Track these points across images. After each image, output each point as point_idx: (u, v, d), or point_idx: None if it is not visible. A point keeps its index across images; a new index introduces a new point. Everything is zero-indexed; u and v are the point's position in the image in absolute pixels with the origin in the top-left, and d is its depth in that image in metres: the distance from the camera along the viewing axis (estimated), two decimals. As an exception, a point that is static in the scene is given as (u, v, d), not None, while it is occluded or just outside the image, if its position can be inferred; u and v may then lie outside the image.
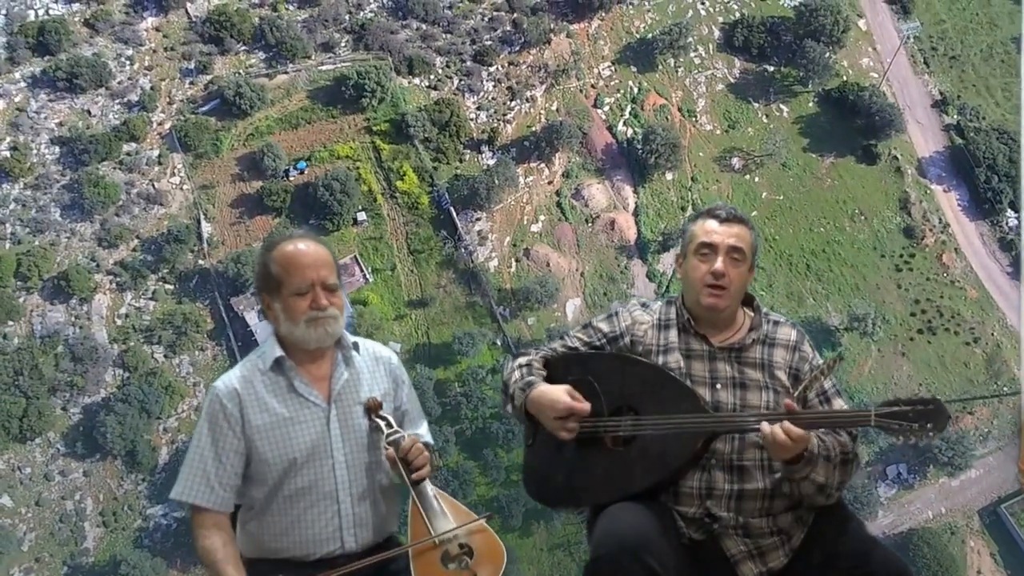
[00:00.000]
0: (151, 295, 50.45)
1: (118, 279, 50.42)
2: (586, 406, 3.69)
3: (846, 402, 3.80)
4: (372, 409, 3.82)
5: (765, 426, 3.45)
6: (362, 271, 51.18)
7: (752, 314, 3.92)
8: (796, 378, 3.75)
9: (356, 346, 3.95)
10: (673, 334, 3.86)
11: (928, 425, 3.33)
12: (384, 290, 51.03)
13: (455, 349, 48.81)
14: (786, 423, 3.41)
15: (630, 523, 3.43)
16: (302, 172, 52.61)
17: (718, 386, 3.73)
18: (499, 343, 50.07)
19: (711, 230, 3.80)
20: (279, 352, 3.79)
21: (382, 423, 3.79)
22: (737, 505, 3.63)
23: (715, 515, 3.64)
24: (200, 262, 51.08)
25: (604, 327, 3.99)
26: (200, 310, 50.10)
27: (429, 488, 3.72)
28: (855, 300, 51.48)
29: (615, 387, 3.78)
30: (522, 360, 4.00)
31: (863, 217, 54.45)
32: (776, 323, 3.91)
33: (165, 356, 49.22)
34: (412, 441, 3.75)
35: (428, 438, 4.07)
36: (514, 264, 52.07)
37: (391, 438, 3.73)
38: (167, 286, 50.72)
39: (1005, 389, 49.15)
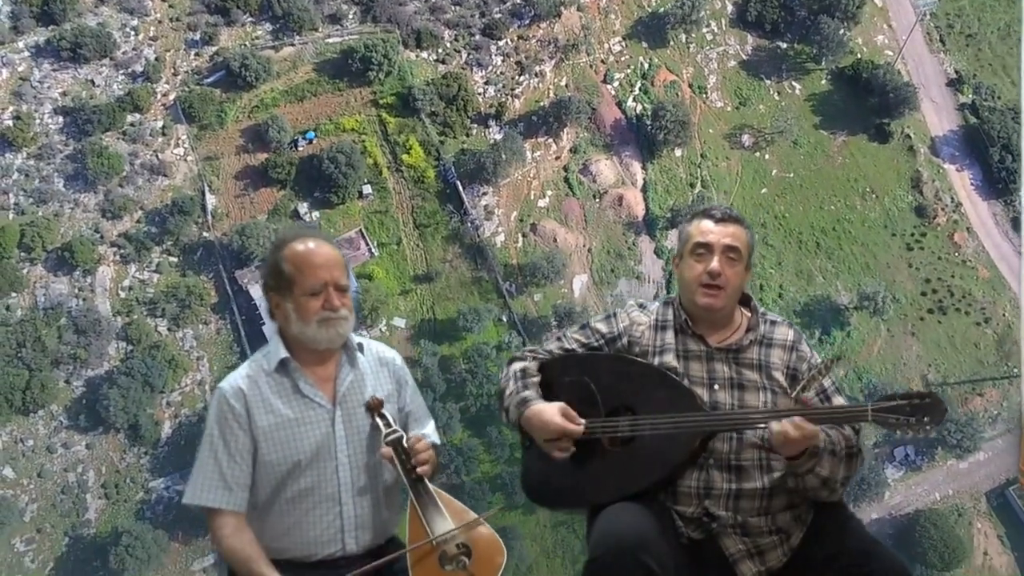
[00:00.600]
0: (155, 267, 50.10)
1: (122, 251, 50.06)
2: (579, 428, 3.68)
3: (845, 400, 3.77)
4: (373, 408, 3.79)
5: (775, 424, 3.44)
6: (367, 245, 50.73)
7: (749, 314, 3.91)
8: (793, 378, 3.74)
9: (360, 347, 3.93)
10: (670, 335, 3.86)
11: (925, 419, 3.37)
12: (389, 264, 50.59)
13: (460, 325, 48.41)
14: (797, 419, 3.42)
15: (629, 523, 3.43)
16: (310, 142, 52.11)
17: (716, 387, 3.73)
18: (505, 319, 49.67)
19: (707, 230, 3.79)
20: (284, 353, 3.76)
21: (381, 422, 3.76)
22: (735, 504, 3.63)
23: (713, 514, 3.64)
24: (204, 234, 50.70)
25: (602, 328, 3.98)
26: (204, 283, 49.74)
27: (429, 488, 3.67)
28: (865, 279, 50.93)
29: (612, 388, 3.78)
30: (517, 366, 3.98)
31: (874, 195, 53.77)
32: (773, 323, 3.90)
33: (168, 329, 48.91)
34: (418, 439, 3.74)
35: (435, 438, 3.98)
36: (521, 239, 51.57)
37: (389, 437, 3.69)
38: (171, 258, 50.35)
39: (1016, 371, 48.58)
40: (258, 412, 3.69)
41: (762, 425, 3.57)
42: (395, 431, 3.71)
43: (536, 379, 3.91)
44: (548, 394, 3.86)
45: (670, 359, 3.79)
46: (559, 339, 4.07)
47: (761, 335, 3.83)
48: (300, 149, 51.97)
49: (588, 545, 3.56)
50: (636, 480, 3.66)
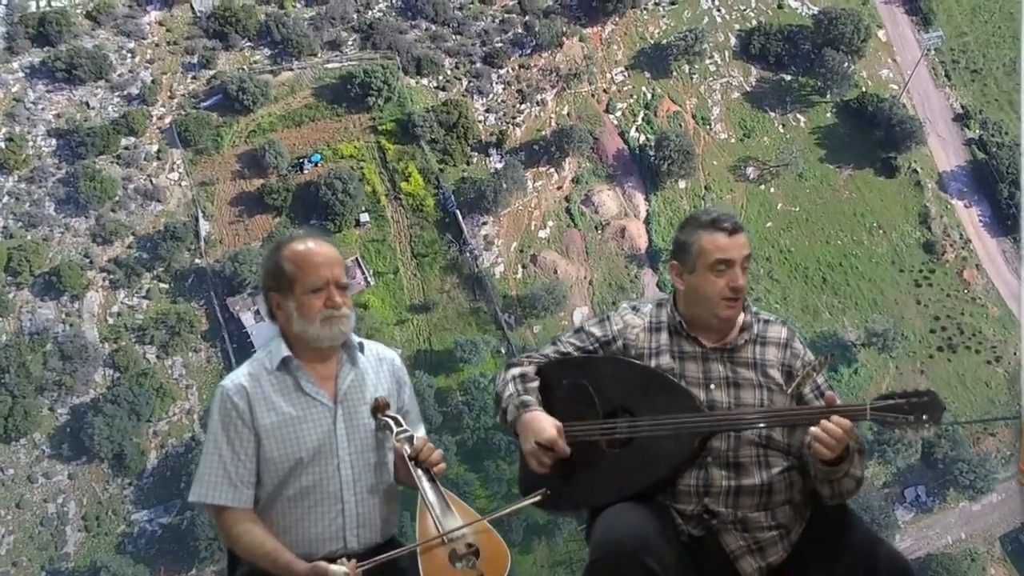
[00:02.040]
0: (145, 293, 48.87)
1: (111, 276, 48.87)
2: (567, 450, 3.69)
3: (840, 398, 3.65)
4: (379, 408, 3.80)
5: (814, 430, 3.41)
6: (364, 274, 49.57)
7: (743, 314, 3.87)
8: (789, 375, 3.74)
9: (361, 346, 3.92)
10: (664, 337, 3.85)
11: (924, 417, 3.36)
12: (386, 294, 49.43)
13: (457, 356, 47.15)
14: (836, 416, 3.39)
15: (629, 524, 3.42)
16: (316, 165, 51.26)
17: (712, 386, 3.72)
18: (503, 351, 48.38)
19: (725, 245, 3.72)
20: (286, 352, 3.76)
21: (391, 422, 3.76)
22: (735, 501, 3.62)
23: (713, 511, 3.62)
24: (197, 261, 49.58)
25: (596, 331, 3.98)
26: (195, 310, 48.51)
27: (439, 486, 3.66)
28: (873, 315, 49.88)
29: (609, 390, 3.78)
30: (515, 371, 3.97)
31: (881, 231, 52.87)
32: (767, 322, 3.90)
33: (157, 357, 47.57)
34: (424, 441, 3.74)
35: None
36: (520, 270, 50.50)
37: (401, 436, 3.70)
38: (162, 285, 49.15)
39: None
40: (260, 409, 3.68)
41: (761, 425, 3.59)
42: (405, 430, 3.72)
43: (535, 384, 3.90)
44: (546, 398, 3.86)
45: (666, 360, 3.79)
46: (555, 343, 4.06)
47: (755, 334, 3.82)
48: (305, 172, 50.96)
49: (588, 547, 3.53)
50: (635, 481, 3.65)
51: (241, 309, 47.53)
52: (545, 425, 3.72)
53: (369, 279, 49.51)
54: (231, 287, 48.03)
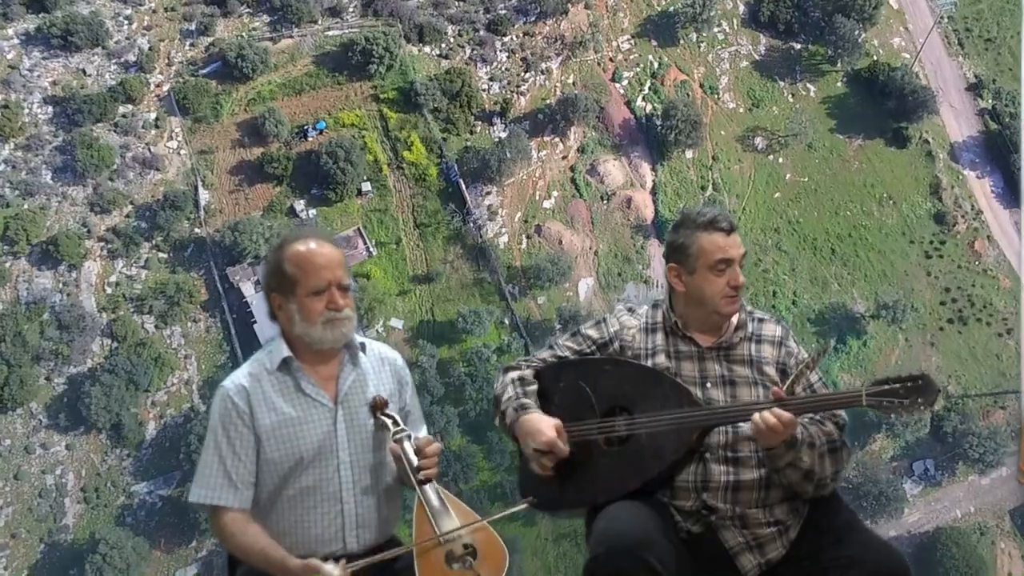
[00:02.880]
0: (143, 263, 48.10)
1: (110, 246, 48.08)
2: (566, 450, 3.71)
3: (832, 387, 3.75)
4: (378, 407, 3.81)
5: (756, 416, 3.47)
6: (365, 244, 48.85)
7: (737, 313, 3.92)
8: (783, 372, 3.79)
9: (363, 347, 3.92)
10: (660, 337, 3.90)
11: (919, 400, 3.40)
12: (388, 264, 48.65)
13: (460, 327, 46.41)
14: (775, 408, 3.46)
15: (628, 522, 3.44)
16: (321, 132, 50.38)
17: (708, 384, 3.77)
18: (507, 322, 47.70)
19: (724, 245, 3.79)
20: (286, 352, 3.77)
21: (388, 421, 3.77)
22: (733, 496, 3.65)
23: (712, 507, 3.65)
24: (196, 230, 48.78)
25: (593, 334, 4.02)
26: (194, 280, 47.75)
27: (436, 487, 3.67)
28: (883, 287, 49.05)
29: (606, 389, 3.80)
30: (514, 375, 3.99)
31: (892, 202, 51.94)
32: (761, 320, 3.95)
33: (156, 327, 46.84)
34: (429, 441, 3.76)
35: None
36: (525, 241, 49.69)
37: (398, 436, 3.72)
38: (160, 254, 48.37)
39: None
40: (261, 410, 3.69)
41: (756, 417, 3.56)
42: (403, 430, 3.73)
43: (534, 387, 3.93)
44: (544, 400, 3.89)
45: (662, 360, 3.83)
46: (551, 347, 4.09)
47: (750, 332, 3.88)
48: (310, 139, 50.10)
49: (588, 545, 3.52)
50: (634, 478, 3.66)
51: (241, 279, 46.82)
52: (544, 427, 3.73)
53: (371, 249, 48.75)
54: (231, 257, 47.25)
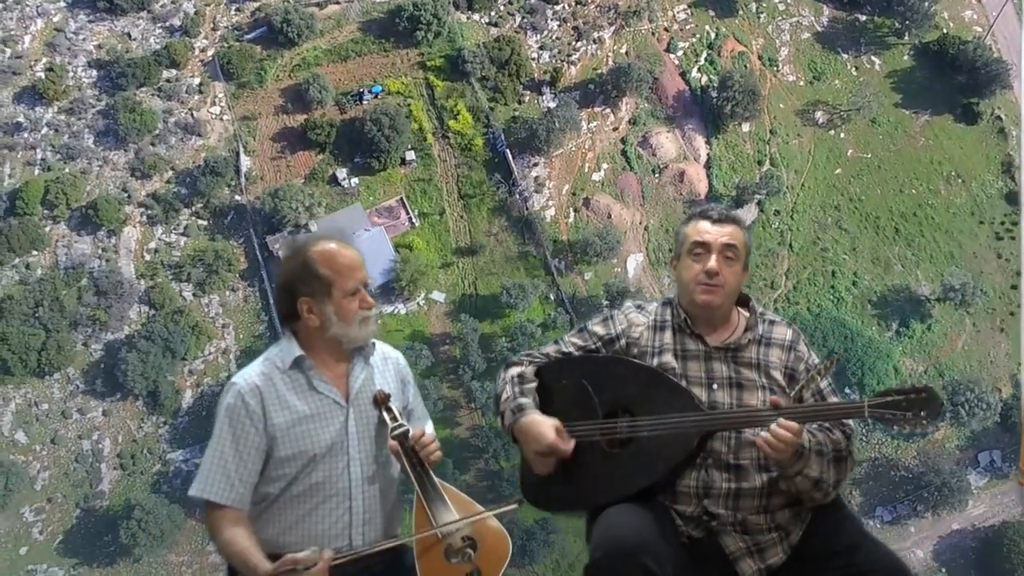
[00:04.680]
0: (183, 230, 47.35)
1: (149, 212, 47.39)
2: (568, 448, 3.68)
3: (841, 400, 3.74)
4: (380, 402, 3.85)
5: (759, 440, 3.46)
6: (408, 214, 47.58)
7: (747, 314, 3.89)
8: (792, 378, 3.75)
9: (373, 345, 3.97)
10: (668, 335, 3.85)
11: (922, 413, 3.36)
12: (431, 235, 47.34)
13: (504, 301, 44.94)
14: (780, 419, 3.44)
15: (628, 525, 3.43)
16: (376, 96, 49.20)
17: (714, 386, 3.72)
18: (552, 297, 46.17)
19: (704, 230, 3.80)
20: (298, 351, 3.81)
21: (387, 416, 3.81)
22: (735, 503, 3.63)
23: (713, 513, 3.63)
24: (236, 197, 47.88)
25: (599, 330, 3.97)
26: (234, 248, 46.89)
27: (435, 481, 3.70)
28: (949, 268, 46.57)
29: (609, 390, 3.78)
30: (514, 372, 3.96)
31: (960, 180, 49.42)
32: (772, 323, 3.89)
33: (194, 295, 46.10)
34: (421, 432, 3.80)
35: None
36: (572, 214, 48.04)
37: (396, 431, 3.76)
38: (200, 221, 47.56)
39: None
40: (274, 409, 3.71)
41: (759, 427, 3.53)
42: (401, 425, 3.78)
43: (533, 385, 3.89)
44: (546, 398, 3.85)
45: (668, 359, 3.78)
46: (556, 343, 4.05)
47: (759, 334, 3.82)
48: (366, 102, 48.92)
49: (588, 547, 3.52)
50: (635, 481, 3.64)
51: (281, 248, 45.80)
52: (543, 430, 3.67)
53: (414, 220, 47.50)
54: (271, 225, 46.29)
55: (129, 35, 50.72)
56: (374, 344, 3.96)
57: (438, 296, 46.29)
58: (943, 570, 42.56)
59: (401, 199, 47.78)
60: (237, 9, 51.58)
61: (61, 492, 42.91)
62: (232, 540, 3.62)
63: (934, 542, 43.07)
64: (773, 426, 3.41)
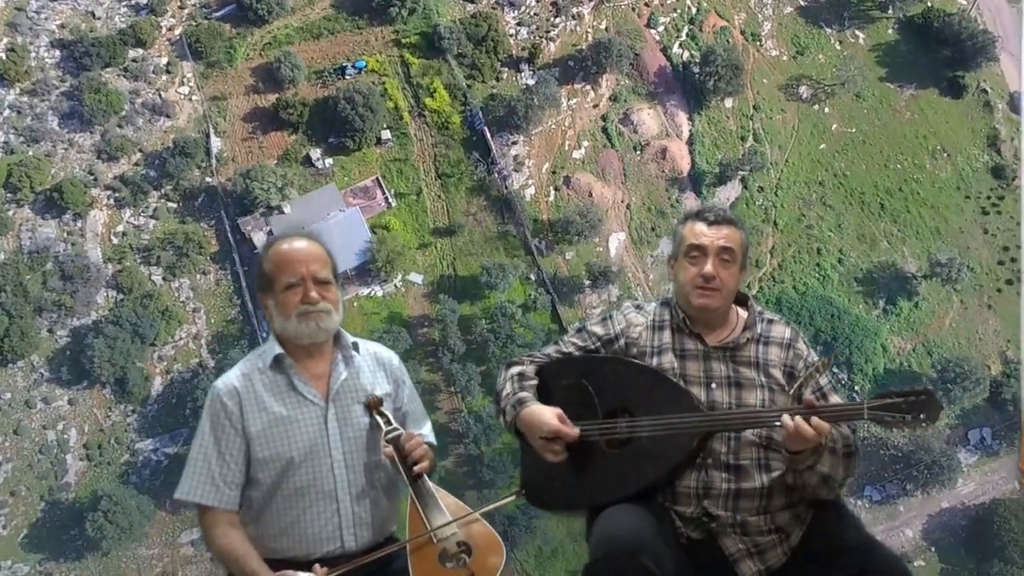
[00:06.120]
0: (152, 213, 45.95)
1: (117, 194, 45.97)
2: (574, 432, 3.66)
3: (841, 399, 3.72)
4: (372, 406, 3.79)
5: (787, 418, 3.39)
6: (384, 195, 46.35)
7: (745, 313, 3.87)
8: (791, 376, 3.72)
9: (356, 346, 3.91)
10: (667, 335, 3.84)
11: (921, 416, 3.34)
12: (408, 216, 46.14)
13: (484, 282, 43.86)
14: (815, 419, 3.37)
15: (627, 525, 3.43)
16: (360, 72, 48.02)
17: (713, 385, 3.71)
18: (533, 277, 45.06)
19: (700, 232, 3.76)
20: (279, 350, 3.76)
21: (380, 420, 3.75)
22: (735, 504, 3.61)
23: (713, 514, 3.62)
24: (207, 179, 46.54)
25: (599, 330, 3.96)
26: (204, 230, 45.56)
27: (428, 484, 3.68)
28: (936, 245, 45.90)
29: (609, 390, 3.76)
30: (515, 370, 3.95)
31: (946, 154, 48.69)
32: (770, 321, 3.86)
33: (164, 279, 44.76)
34: (410, 436, 3.74)
35: (431, 439, 3.99)
36: (553, 193, 46.95)
37: (390, 435, 3.70)
38: (170, 204, 46.19)
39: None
40: (251, 410, 3.67)
41: (759, 428, 3.57)
42: (395, 428, 3.72)
43: (533, 382, 3.89)
44: (546, 398, 3.82)
45: (667, 359, 3.77)
46: (556, 343, 4.05)
47: (758, 333, 3.79)
48: (349, 77, 47.74)
49: (588, 547, 3.54)
50: (634, 481, 3.63)
51: (253, 230, 44.59)
52: (545, 417, 3.68)
53: (390, 200, 46.30)
54: (243, 207, 44.97)
55: (93, 14, 49.23)
56: (356, 344, 3.87)
57: (416, 277, 45.12)
58: (932, 548, 41.92)
59: (377, 179, 46.59)
60: (205, -14, 50.12)
61: (25, 485, 41.53)
62: (228, 546, 3.59)
63: (923, 521, 42.41)
64: (800, 417, 3.35)
